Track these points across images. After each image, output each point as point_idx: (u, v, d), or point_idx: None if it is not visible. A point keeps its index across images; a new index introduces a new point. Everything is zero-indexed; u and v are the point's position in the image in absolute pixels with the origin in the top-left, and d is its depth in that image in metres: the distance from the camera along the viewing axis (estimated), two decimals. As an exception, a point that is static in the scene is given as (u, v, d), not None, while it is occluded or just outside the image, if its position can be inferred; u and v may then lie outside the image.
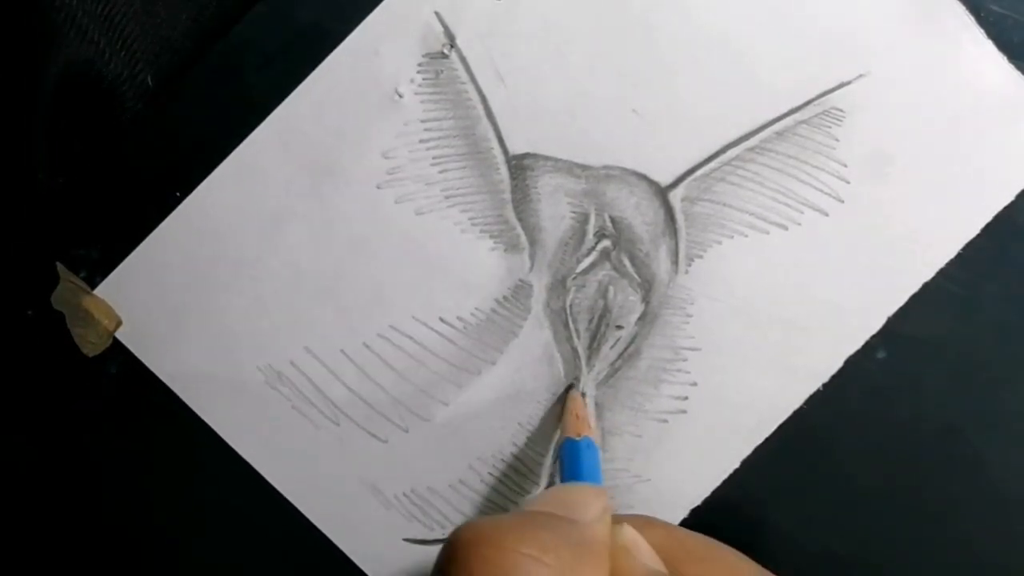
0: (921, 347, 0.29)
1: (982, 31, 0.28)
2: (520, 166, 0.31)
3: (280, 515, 0.33)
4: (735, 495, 0.30)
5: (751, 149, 0.29)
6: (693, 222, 0.30)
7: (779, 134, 0.29)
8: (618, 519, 0.25)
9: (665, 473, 0.31)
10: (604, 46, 0.30)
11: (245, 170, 0.31)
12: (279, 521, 0.33)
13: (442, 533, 0.32)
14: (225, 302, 0.32)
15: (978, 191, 0.29)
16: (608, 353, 0.31)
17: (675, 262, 0.30)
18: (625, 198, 0.30)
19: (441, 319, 0.31)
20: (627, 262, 0.30)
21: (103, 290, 0.33)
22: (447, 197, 0.31)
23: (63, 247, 0.33)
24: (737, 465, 0.30)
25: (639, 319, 0.31)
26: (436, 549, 0.32)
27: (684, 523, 0.31)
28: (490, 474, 0.32)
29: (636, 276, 0.30)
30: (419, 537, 0.32)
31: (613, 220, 0.30)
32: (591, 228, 0.31)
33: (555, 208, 0.31)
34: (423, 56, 0.30)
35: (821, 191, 0.29)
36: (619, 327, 0.31)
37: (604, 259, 0.31)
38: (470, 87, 0.30)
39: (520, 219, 0.31)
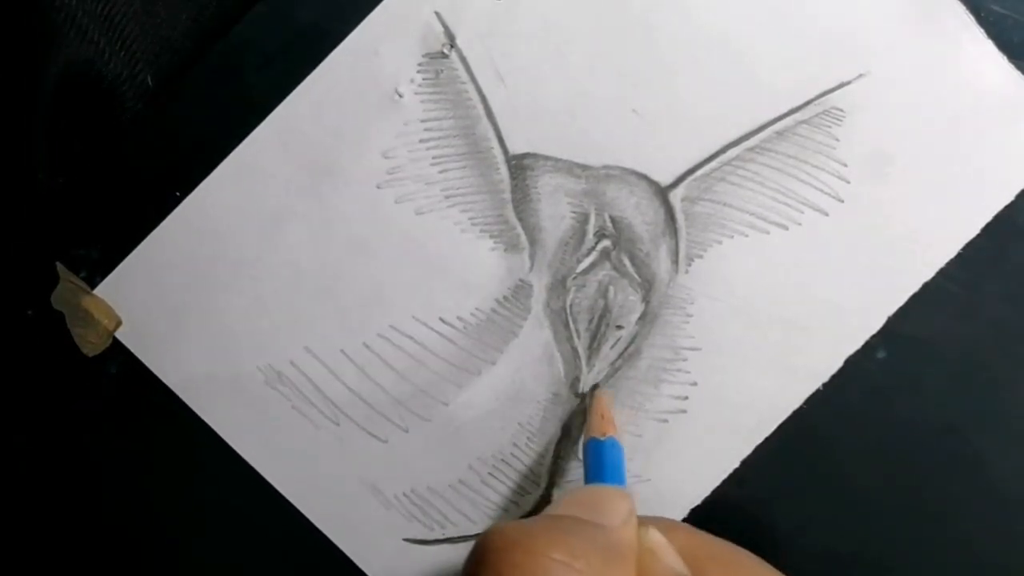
0: (921, 347, 0.29)
1: (982, 31, 0.28)
2: (520, 166, 0.31)
3: (280, 515, 0.33)
4: (735, 495, 0.30)
5: (751, 149, 0.29)
6: (693, 222, 0.30)
7: (779, 134, 0.29)
8: (643, 521, 0.25)
9: (665, 473, 0.31)
10: (604, 46, 0.30)
11: (245, 170, 0.31)
12: (279, 521, 0.33)
13: (442, 533, 0.32)
14: (225, 302, 0.32)
15: (978, 191, 0.29)
16: (608, 353, 0.31)
17: (675, 262, 0.30)
18: (625, 198, 0.30)
19: (441, 319, 0.31)
20: (627, 262, 0.30)
21: (103, 290, 0.33)
22: (447, 197, 0.31)
23: (63, 247, 0.33)
24: (737, 465, 0.30)
25: (639, 319, 0.31)
26: (436, 549, 0.32)
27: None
28: (490, 474, 0.32)
29: (636, 276, 0.30)
30: (419, 537, 0.32)
31: (613, 220, 0.30)
32: (591, 228, 0.31)
33: (555, 208, 0.31)
34: (423, 56, 0.30)
35: (821, 191, 0.29)
36: (619, 327, 0.31)
37: (604, 259, 0.31)
38: (470, 87, 0.30)
39: (520, 219, 0.31)
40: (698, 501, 0.31)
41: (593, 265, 0.31)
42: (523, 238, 0.31)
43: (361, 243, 0.31)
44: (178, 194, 0.32)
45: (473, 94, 0.30)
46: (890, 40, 0.29)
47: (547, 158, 0.30)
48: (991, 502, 0.30)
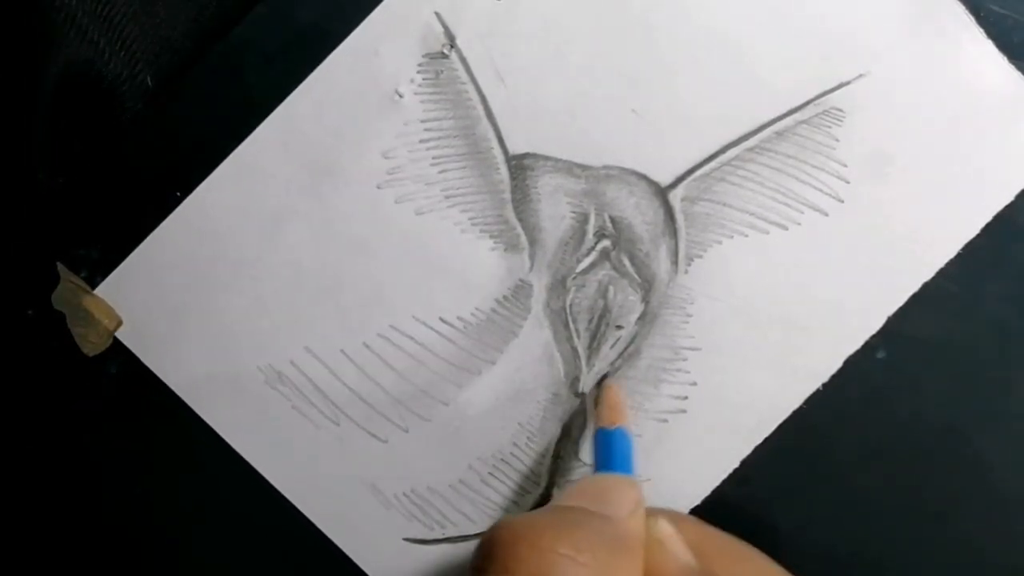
0: (921, 347, 0.29)
1: (982, 31, 0.28)
2: (520, 166, 0.31)
3: (280, 515, 0.33)
4: (735, 495, 0.30)
5: (751, 149, 0.29)
6: (693, 222, 0.30)
7: (779, 134, 0.29)
8: (652, 512, 0.25)
9: (665, 473, 0.31)
10: (604, 46, 0.30)
11: (245, 170, 0.31)
12: (279, 521, 0.33)
13: (442, 533, 0.32)
14: (225, 302, 0.32)
15: (978, 191, 0.29)
16: (608, 353, 0.31)
17: (675, 262, 0.30)
18: (625, 198, 0.30)
19: (441, 319, 0.31)
20: (627, 262, 0.30)
21: (103, 290, 0.33)
22: (447, 197, 0.31)
23: (63, 247, 0.33)
24: (737, 465, 0.30)
25: (639, 319, 0.31)
26: (436, 549, 0.32)
27: (684, 523, 0.31)
28: (490, 474, 0.32)
29: (636, 276, 0.30)
30: (419, 537, 0.32)
31: (613, 220, 0.30)
32: (591, 228, 0.31)
33: (555, 208, 0.31)
34: (423, 56, 0.30)
35: (821, 191, 0.29)
36: (619, 327, 0.31)
37: (604, 259, 0.31)
38: (470, 87, 0.30)
39: (520, 219, 0.31)
40: (698, 501, 0.31)
41: (593, 265, 0.31)
42: (523, 238, 0.31)
43: (361, 243, 0.31)
44: (178, 194, 0.32)
45: (473, 94, 0.30)
46: (890, 40, 0.29)
47: (547, 158, 0.30)
48: (991, 502, 0.30)
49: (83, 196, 0.33)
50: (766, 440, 0.30)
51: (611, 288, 0.31)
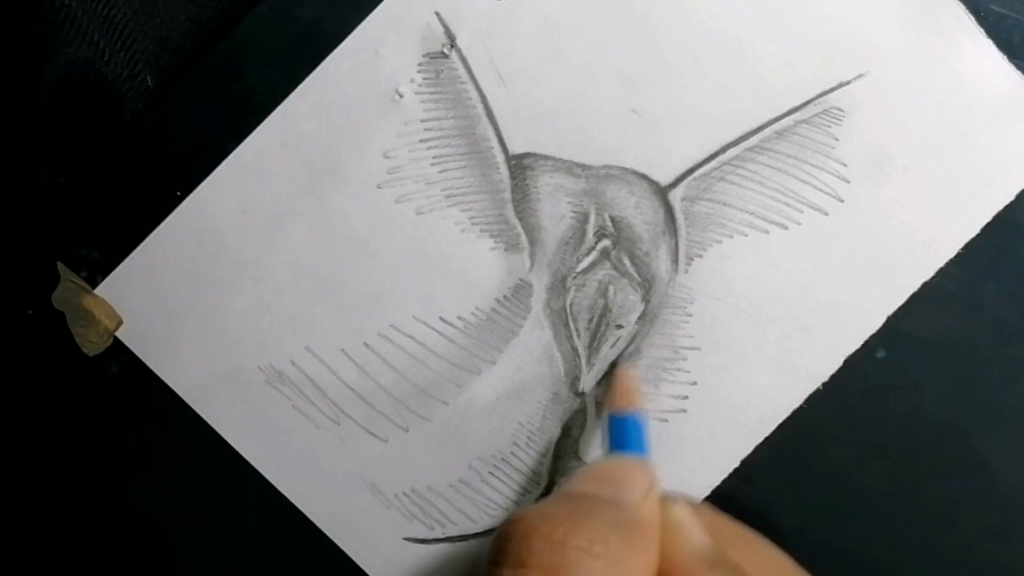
0: (921, 347, 0.29)
1: (982, 31, 0.28)
2: (520, 166, 0.31)
3: (280, 515, 0.33)
4: (735, 494, 0.30)
5: (751, 149, 0.29)
6: (693, 221, 0.30)
7: (779, 134, 0.29)
8: (668, 496, 0.25)
9: (665, 473, 0.31)
10: (604, 46, 0.30)
11: (245, 170, 0.31)
12: (279, 521, 0.33)
13: (442, 532, 0.32)
14: (225, 302, 0.32)
15: (978, 191, 0.29)
16: (608, 352, 0.31)
17: (675, 261, 0.30)
18: (625, 198, 0.30)
19: (441, 318, 0.31)
20: (627, 261, 0.30)
21: (104, 290, 0.33)
22: (447, 197, 0.31)
23: (64, 247, 0.33)
24: (737, 464, 0.30)
25: (639, 318, 0.31)
26: (436, 548, 0.32)
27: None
28: (490, 473, 0.32)
29: (636, 275, 0.30)
30: (419, 536, 0.32)
31: (613, 219, 0.30)
32: (591, 227, 0.31)
33: (555, 208, 0.31)
34: (423, 56, 0.30)
35: (821, 191, 0.29)
36: (619, 326, 0.31)
37: (604, 258, 0.31)
38: (470, 87, 0.30)
39: (520, 219, 0.31)
40: (698, 500, 0.31)
41: (593, 265, 0.31)
42: (523, 238, 0.31)
43: (361, 243, 0.31)
44: (178, 194, 0.32)
45: (473, 94, 0.30)
46: (890, 40, 0.29)
47: (547, 158, 0.30)
48: (991, 502, 0.30)
49: (83, 196, 0.33)
50: (766, 439, 0.30)
51: (611, 288, 0.31)
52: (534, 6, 0.30)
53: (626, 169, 0.30)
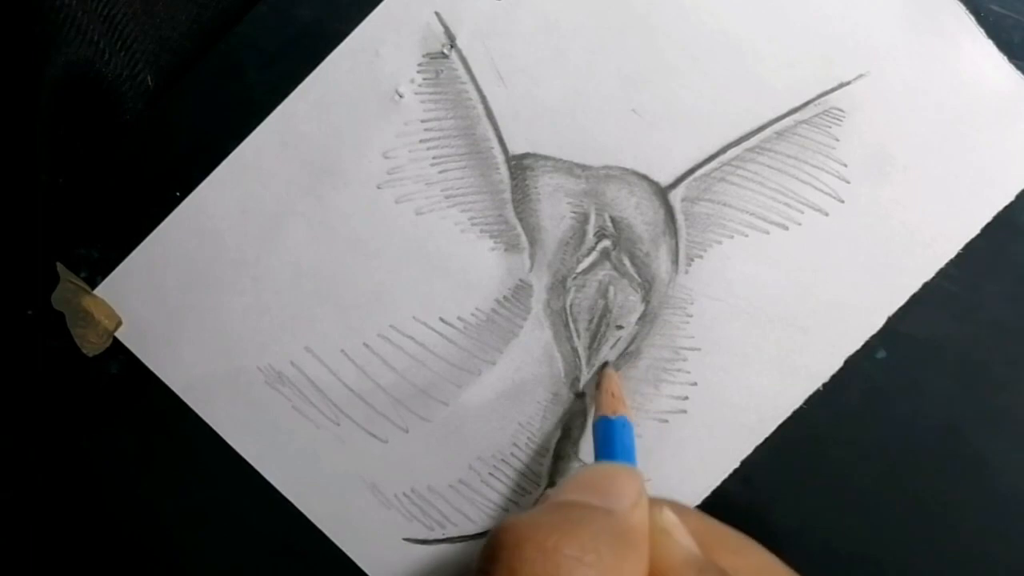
0: (921, 347, 0.29)
1: (982, 31, 0.28)
2: (520, 166, 0.31)
3: (280, 515, 0.33)
4: (735, 494, 0.30)
5: (751, 149, 0.29)
6: (693, 222, 0.30)
7: (779, 134, 0.29)
8: (655, 502, 0.25)
9: (665, 473, 0.31)
10: (604, 46, 0.30)
11: (245, 170, 0.31)
12: (279, 521, 0.33)
13: (442, 533, 0.32)
14: (225, 302, 0.32)
15: (978, 191, 0.29)
16: (608, 353, 0.31)
17: (675, 262, 0.30)
18: (625, 198, 0.30)
19: (441, 319, 0.31)
20: (627, 262, 0.30)
21: (103, 290, 0.33)
22: (447, 197, 0.31)
23: (63, 247, 0.33)
24: (737, 465, 0.30)
25: (639, 319, 0.31)
26: (436, 549, 0.32)
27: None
28: (490, 474, 0.32)
29: (636, 276, 0.30)
30: (419, 537, 0.32)
31: (613, 220, 0.30)
32: (591, 228, 0.31)
33: (555, 208, 0.31)
34: (423, 56, 0.30)
35: (821, 191, 0.29)
36: (619, 327, 0.31)
37: (604, 259, 0.31)
38: (470, 87, 0.30)
39: (520, 219, 0.31)
40: (699, 500, 0.31)
41: (593, 265, 0.31)
42: (523, 238, 0.31)
43: (361, 243, 0.31)
44: (178, 194, 0.32)
45: (473, 94, 0.30)
46: (890, 40, 0.29)
47: (547, 158, 0.30)
48: (991, 502, 0.30)
49: (83, 196, 0.33)
50: (766, 440, 0.30)
51: (611, 288, 0.31)
52: (534, 6, 0.30)
53: (626, 169, 0.30)
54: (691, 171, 0.30)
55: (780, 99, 0.29)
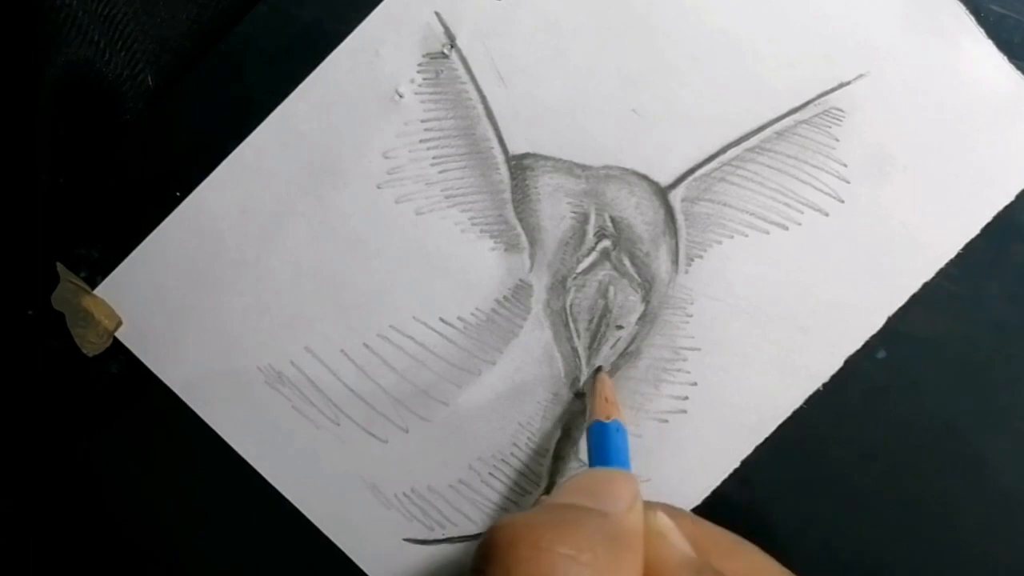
0: (921, 347, 0.29)
1: (982, 31, 0.28)
2: (520, 166, 0.31)
3: (280, 515, 0.33)
4: (735, 495, 0.30)
5: (751, 149, 0.29)
6: (693, 222, 0.30)
7: (779, 134, 0.29)
8: (649, 506, 0.25)
9: (665, 473, 0.31)
10: (604, 46, 0.30)
11: (245, 170, 0.31)
12: (279, 521, 0.33)
13: (442, 533, 0.32)
14: (225, 302, 0.32)
15: (978, 191, 0.29)
16: (608, 353, 0.31)
17: (675, 262, 0.30)
18: (625, 198, 0.30)
19: (441, 319, 0.31)
20: (627, 262, 0.30)
21: (103, 290, 0.33)
22: (447, 197, 0.31)
23: (63, 247, 0.33)
24: (737, 465, 0.30)
25: (639, 319, 0.31)
26: (436, 549, 0.32)
27: (684, 523, 0.31)
28: (490, 474, 0.32)
29: (636, 276, 0.30)
30: (419, 537, 0.32)
31: (613, 220, 0.30)
32: (591, 228, 0.31)
33: (555, 208, 0.31)
34: (423, 56, 0.30)
35: (821, 191, 0.29)
36: (619, 327, 0.31)
37: (604, 259, 0.31)
38: (470, 87, 0.30)
39: (520, 219, 0.31)
40: (698, 501, 0.31)
41: (593, 265, 0.31)
42: (523, 238, 0.31)
43: (361, 243, 0.31)
44: (178, 194, 0.32)
45: (473, 94, 0.30)
46: (890, 40, 0.29)
47: (547, 158, 0.30)
48: (991, 502, 0.30)
49: (83, 196, 0.33)
50: (766, 440, 0.30)
51: (611, 288, 0.31)
52: (534, 6, 0.30)
53: (626, 169, 0.30)
54: (691, 171, 0.30)
55: (780, 99, 0.29)
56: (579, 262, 0.31)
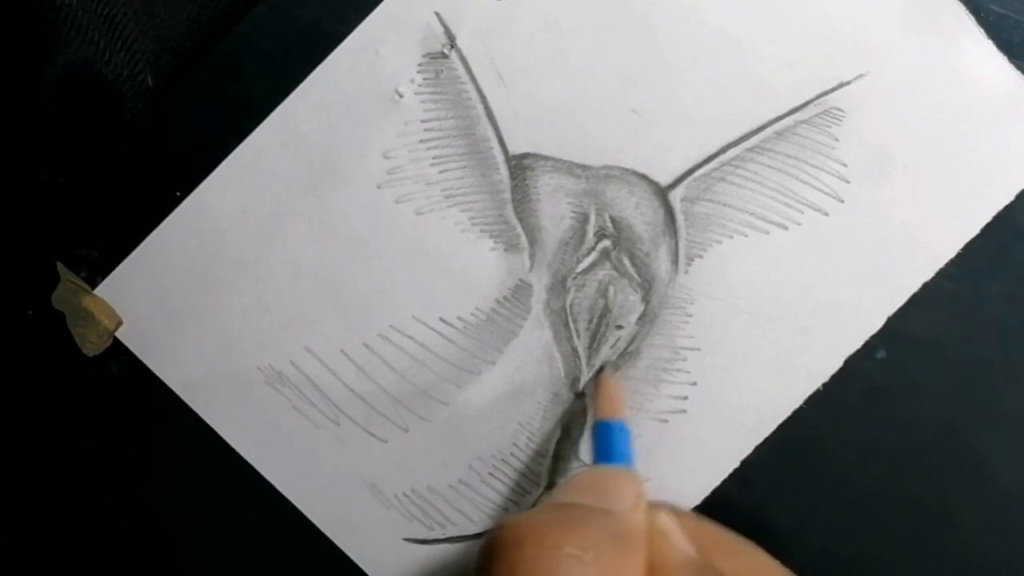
0: (921, 347, 0.29)
1: (982, 31, 0.28)
2: (520, 166, 0.31)
3: (280, 515, 0.33)
4: (735, 495, 0.30)
5: (751, 149, 0.29)
6: (693, 222, 0.30)
7: (779, 134, 0.29)
8: (652, 505, 0.25)
9: (665, 473, 0.31)
10: (604, 46, 0.30)
11: (245, 170, 0.31)
12: (279, 521, 0.33)
13: (442, 533, 0.32)
14: (225, 302, 0.32)
15: (978, 191, 0.29)
16: (608, 353, 0.31)
17: (675, 262, 0.30)
18: (625, 198, 0.30)
19: (441, 319, 0.31)
20: (627, 262, 0.30)
21: (103, 290, 0.33)
22: (447, 197, 0.31)
23: (64, 247, 0.33)
24: (737, 465, 0.30)
25: (639, 319, 0.31)
26: (436, 549, 0.32)
27: (684, 523, 0.31)
28: (490, 474, 0.32)
29: (636, 276, 0.30)
30: (419, 537, 0.32)
31: (613, 220, 0.30)
32: (591, 228, 0.31)
33: (555, 208, 0.31)
34: (423, 56, 0.30)
35: (821, 191, 0.29)
36: (619, 327, 0.31)
37: (604, 259, 0.31)
38: (470, 87, 0.30)
39: (520, 219, 0.31)
40: (698, 501, 0.31)
41: (593, 265, 0.31)
42: (523, 238, 0.31)
43: (361, 243, 0.31)
44: (178, 194, 0.32)
45: (473, 94, 0.30)
46: (890, 40, 0.29)
47: (547, 158, 0.30)
48: (991, 502, 0.30)
49: (83, 196, 0.33)
50: (766, 440, 0.30)
51: (611, 288, 0.31)
52: (534, 6, 0.30)
53: (626, 169, 0.30)
54: (691, 171, 0.30)
55: (780, 99, 0.29)
56: (579, 262, 0.31)
